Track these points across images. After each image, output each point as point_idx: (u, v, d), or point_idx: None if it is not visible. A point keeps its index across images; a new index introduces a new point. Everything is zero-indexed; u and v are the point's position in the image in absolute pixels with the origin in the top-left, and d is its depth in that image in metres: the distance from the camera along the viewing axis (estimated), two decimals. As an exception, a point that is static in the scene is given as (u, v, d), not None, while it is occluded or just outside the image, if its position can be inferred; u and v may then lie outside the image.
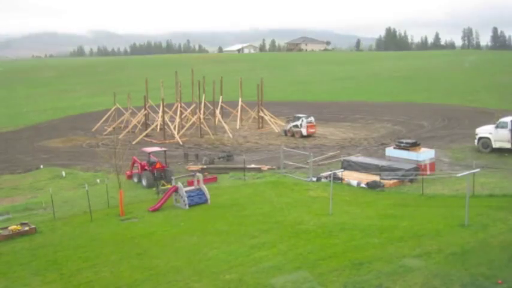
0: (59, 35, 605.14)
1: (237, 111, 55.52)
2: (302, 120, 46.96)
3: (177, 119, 52.30)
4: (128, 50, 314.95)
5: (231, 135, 48.56)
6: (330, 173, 26.82)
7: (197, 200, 26.01)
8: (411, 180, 28.97)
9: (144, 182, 31.85)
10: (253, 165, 34.96)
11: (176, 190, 26.16)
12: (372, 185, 27.89)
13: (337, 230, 18.79)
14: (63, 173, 36.10)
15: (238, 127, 52.99)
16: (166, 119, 50.52)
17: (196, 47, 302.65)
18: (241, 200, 26.55)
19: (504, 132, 35.05)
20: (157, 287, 15.03)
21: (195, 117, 53.11)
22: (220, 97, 56.02)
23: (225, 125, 50.72)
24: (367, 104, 68.17)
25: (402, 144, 32.90)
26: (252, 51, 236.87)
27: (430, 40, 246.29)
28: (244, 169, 32.83)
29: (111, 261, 17.60)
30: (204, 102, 55.23)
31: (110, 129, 54.13)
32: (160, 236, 20.69)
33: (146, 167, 32.51)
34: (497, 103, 60.47)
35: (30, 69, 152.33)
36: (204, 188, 26.66)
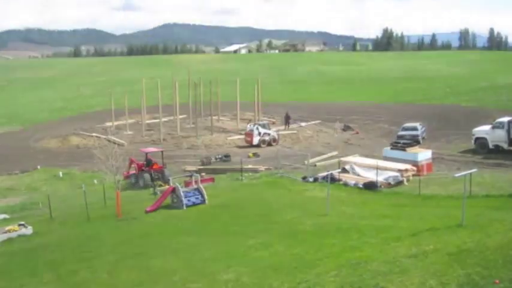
0: (55, 34, 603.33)
1: (235, 112, 55.56)
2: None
3: (176, 119, 52.31)
4: (125, 50, 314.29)
5: (228, 136, 48.56)
6: (327, 173, 26.85)
7: (194, 200, 25.99)
8: (408, 180, 29.07)
9: (141, 183, 31.86)
10: (250, 166, 34.98)
11: (173, 190, 26.16)
12: (368, 186, 27.93)
13: (334, 230, 18.81)
14: (61, 174, 36.08)
15: (236, 127, 53.00)
16: (163, 119, 50.55)
17: (193, 48, 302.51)
18: (239, 200, 26.55)
19: (501, 133, 35.13)
20: (154, 288, 15.04)
21: (191, 117, 53.10)
22: (217, 98, 56.07)
23: (222, 125, 50.79)
24: (364, 104, 68.29)
25: (399, 145, 33.01)
26: (249, 51, 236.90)
27: (427, 41, 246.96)
28: (241, 170, 32.83)
29: (108, 262, 17.58)
30: (201, 103, 55.29)
31: (108, 129, 54.08)
32: (158, 236, 20.68)
33: (143, 168, 32.51)
34: (494, 103, 60.72)
35: (27, 69, 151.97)
36: (202, 188, 26.65)
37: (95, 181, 32.93)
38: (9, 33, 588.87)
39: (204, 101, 56.00)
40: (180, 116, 53.98)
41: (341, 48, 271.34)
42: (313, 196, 26.51)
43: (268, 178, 31.72)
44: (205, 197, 26.21)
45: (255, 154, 39.24)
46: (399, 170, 29.16)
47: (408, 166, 29.64)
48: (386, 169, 29.28)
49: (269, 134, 43.98)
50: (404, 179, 28.79)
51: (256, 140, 42.98)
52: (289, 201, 25.68)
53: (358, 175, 29.81)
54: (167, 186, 28.08)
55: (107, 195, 26.86)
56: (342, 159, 33.27)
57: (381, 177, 28.27)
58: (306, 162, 33.42)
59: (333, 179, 27.24)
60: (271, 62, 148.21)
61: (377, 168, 28.49)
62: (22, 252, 20.09)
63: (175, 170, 34.52)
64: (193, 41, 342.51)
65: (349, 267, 14.07)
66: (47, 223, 24.31)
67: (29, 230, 22.66)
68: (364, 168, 30.36)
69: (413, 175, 29.13)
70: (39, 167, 38.82)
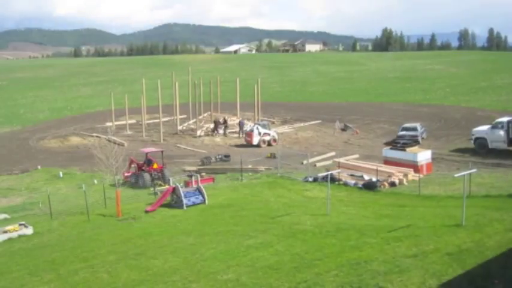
0: (55, 34, 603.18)
1: (235, 112, 55.59)
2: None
3: (176, 119, 52.33)
4: (125, 50, 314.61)
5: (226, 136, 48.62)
6: (327, 173, 26.86)
7: (194, 200, 25.99)
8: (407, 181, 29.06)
9: (141, 183, 31.86)
10: (250, 166, 34.99)
11: (173, 190, 26.18)
12: (368, 186, 27.95)
13: (334, 230, 18.81)
14: (61, 174, 36.09)
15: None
16: (163, 119, 50.56)
17: (193, 48, 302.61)
18: (238, 200, 26.55)
19: (500, 133, 35.16)
20: (154, 288, 15.05)
21: (191, 117, 53.15)
22: (217, 98, 56.12)
23: (223, 125, 50.75)
24: (364, 104, 68.34)
25: (399, 145, 33.05)
26: (249, 51, 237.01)
27: (426, 41, 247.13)
28: (241, 170, 32.85)
29: (109, 262, 17.58)
30: (201, 103, 55.32)
31: (108, 129, 54.10)
32: (158, 236, 20.68)
33: (143, 168, 32.52)
34: (494, 104, 60.79)
35: (27, 69, 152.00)
36: (202, 188, 26.66)
37: (95, 181, 32.94)
38: (10, 33, 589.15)
39: (204, 101, 56.00)
40: (180, 116, 54.01)
41: (341, 48, 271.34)
42: (313, 196, 26.52)
43: (268, 178, 31.72)
44: (205, 197, 26.22)
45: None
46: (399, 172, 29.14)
47: (402, 168, 29.42)
48: (383, 171, 29.26)
49: (269, 134, 43.99)
50: (397, 181, 28.65)
51: (256, 140, 42.97)
52: (289, 201, 25.67)
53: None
54: (167, 186, 28.08)
55: (107, 195, 26.88)
56: (336, 159, 33.27)
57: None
58: (304, 162, 33.44)
59: (332, 179, 27.26)
60: (271, 62, 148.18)
61: (377, 170, 28.51)
62: (22, 252, 20.10)
63: (175, 170, 34.54)
64: (193, 41, 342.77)
65: (349, 267, 14.10)
66: (47, 223, 24.33)
67: (29, 230, 22.67)
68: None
69: (412, 175, 29.08)
70: (39, 167, 38.84)
